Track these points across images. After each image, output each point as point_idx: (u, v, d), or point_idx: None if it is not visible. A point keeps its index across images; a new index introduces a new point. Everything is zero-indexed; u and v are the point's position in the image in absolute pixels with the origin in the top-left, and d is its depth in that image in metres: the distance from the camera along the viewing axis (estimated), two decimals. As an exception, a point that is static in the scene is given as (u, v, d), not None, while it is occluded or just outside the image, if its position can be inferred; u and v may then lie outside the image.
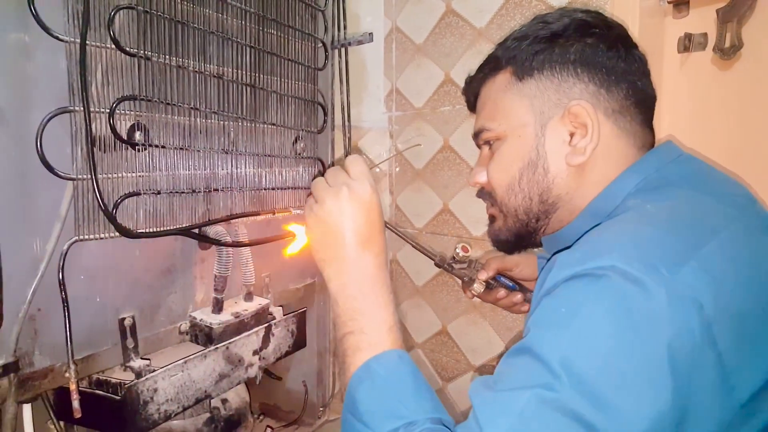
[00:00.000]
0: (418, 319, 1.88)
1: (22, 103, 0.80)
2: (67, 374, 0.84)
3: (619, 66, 0.66)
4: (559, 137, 0.68)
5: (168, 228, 0.96)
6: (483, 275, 0.95)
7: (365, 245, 0.66)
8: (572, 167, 0.67)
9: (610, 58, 0.66)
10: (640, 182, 0.64)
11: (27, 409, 0.87)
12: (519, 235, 0.74)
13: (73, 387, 0.83)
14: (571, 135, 0.67)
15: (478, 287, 0.94)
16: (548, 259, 0.66)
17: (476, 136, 0.76)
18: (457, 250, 0.94)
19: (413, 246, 0.95)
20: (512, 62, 0.70)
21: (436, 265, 0.94)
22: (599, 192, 0.67)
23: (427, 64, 1.75)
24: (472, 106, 0.80)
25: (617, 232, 0.56)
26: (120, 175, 0.89)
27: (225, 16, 1.04)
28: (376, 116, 1.91)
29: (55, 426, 0.97)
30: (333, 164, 1.39)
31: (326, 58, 1.32)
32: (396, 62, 1.87)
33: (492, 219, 0.78)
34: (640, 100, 0.68)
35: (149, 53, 0.90)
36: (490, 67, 0.74)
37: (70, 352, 0.84)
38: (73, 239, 0.85)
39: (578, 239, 0.60)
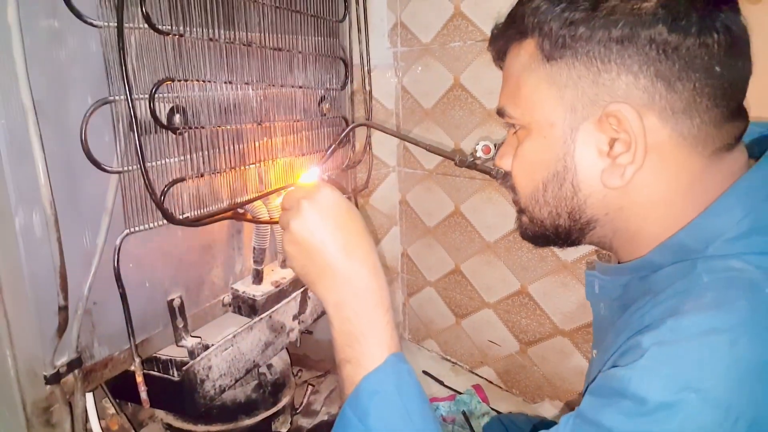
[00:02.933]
0: (430, 259, 1.92)
1: (59, 94, 0.76)
2: (132, 367, 0.85)
3: (690, 46, 0.46)
4: (593, 146, 0.52)
5: (211, 208, 0.94)
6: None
7: (347, 252, 0.59)
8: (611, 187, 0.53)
9: (675, 34, 0.46)
10: (744, 220, 0.48)
11: (89, 397, 0.88)
12: (547, 239, 0.62)
13: (140, 380, 0.84)
14: (612, 143, 0.51)
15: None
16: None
17: (499, 113, 0.61)
18: (478, 152, 0.79)
19: (425, 148, 0.84)
20: (539, 31, 0.53)
21: (457, 164, 0.81)
22: (663, 216, 0.53)
23: (435, -4, 1.68)
24: (499, 63, 0.63)
25: (711, 349, 0.42)
26: (162, 161, 0.86)
27: (249, -23, 0.98)
28: (380, 52, 1.85)
29: (112, 404, 0.99)
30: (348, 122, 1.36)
31: (345, 8, 1.25)
32: (400, -7, 1.79)
33: (519, 211, 0.64)
34: (718, 93, 0.48)
35: (182, 29, 0.85)
36: (514, 28, 0.57)
37: (133, 345, 0.85)
38: (125, 232, 0.83)
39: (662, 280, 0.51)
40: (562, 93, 0.53)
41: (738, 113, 0.51)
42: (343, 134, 0.86)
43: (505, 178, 0.65)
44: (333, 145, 0.84)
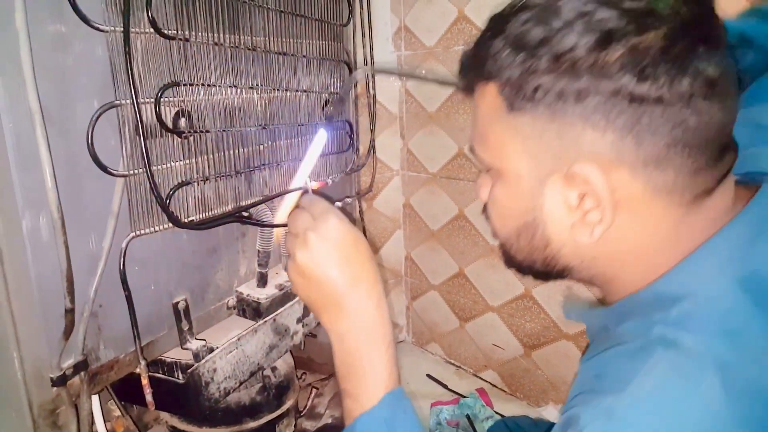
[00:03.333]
0: (434, 262, 1.92)
1: (65, 98, 0.76)
2: (138, 369, 0.85)
3: (660, 97, 0.42)
4: (562, 201, 0.49)
5: (216, 212, 0.95)
6: None
7: (353, 285, 0.60)
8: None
9: (643, 85, 0.42)
10: (708, 283, 0.46)
11: (95, 399, 0.89)
12: (528, 274, 0.59)
13: (145, 382, 0.85)
14: (582, 196, 0.48)
15: None
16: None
17: (471, 149, 0.57)
18: None
19: (431, 80, 0.76)
20: (499, 78, 0.48)
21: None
22: (640, 266, 0.51)
23: (438, 0, 1.69)
24: (466, 97, 0.56)
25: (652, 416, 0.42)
26: (168, 165, 0.86)
27: (254, -18, 0.98)
28: (384, 56, 1.86)
29: (117, 406, 0.99)
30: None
31: (349, 12, 1.26)
32: (403, -3, 1.80)
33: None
34: (694, 143, 0.44)
35: (187, 34, 0.85)
36: (477, 69, 0.52)
37: (138, 347, 0.85)
38: (131, 235, 0.84)
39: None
40: (527, 145, 0.49)
41: (721, 155, 0.47)
42: (347, 83, 0.81)
43: (485, 209, 0.61)
44: (338, 94, 0.80)
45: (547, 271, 0.55)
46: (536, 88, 0.45)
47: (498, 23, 0.48)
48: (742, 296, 0.45)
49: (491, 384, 1.81)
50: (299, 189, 0.76)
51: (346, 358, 0.60)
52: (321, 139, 0.75)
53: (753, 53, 0.63)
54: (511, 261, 0.60)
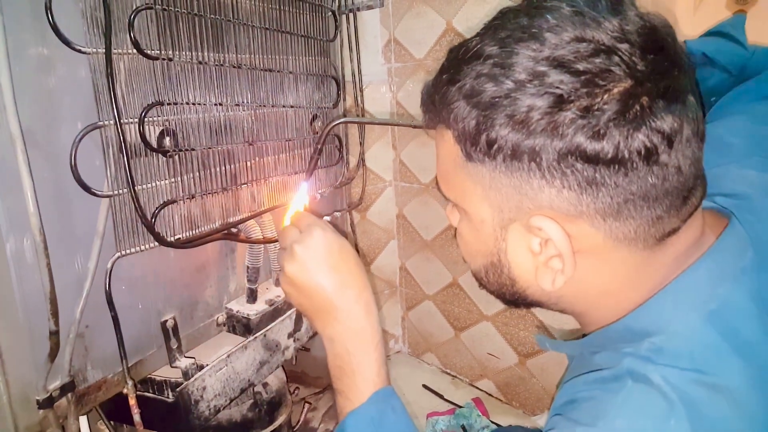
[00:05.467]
0: (428, 272, 1.92)
1: (49, 121, 0.77)
2: (125, 390, 0.85)
3: (615, 155, 0.41)
4: (524, 246, 0.49)
5: (203, 229, 0.95)
6: None
7: (341, 291, 0.63)
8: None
9: (596, 143, 0.41)
10: (673, 320, 0.47)
11: (83, 420, 0.88)
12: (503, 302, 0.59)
13: (132, 402, 0.84)
14: (544, 243, 0.48)
15: None
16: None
17: (437, 183, 0.57)
18: None
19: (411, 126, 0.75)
20: (454, 128, 0.47)
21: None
22: (606, 304, 0.51)
23: (427, 12, 1.69)
24: (429, 130, 0.55)
25: None
26: (153, 184, 0.87)
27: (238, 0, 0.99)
28: (374, 68, 1.86)
29: (106, 426, 0.99)
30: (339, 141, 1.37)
31: (336, 27, 1.27)
32: (393, 9, 1.81)
33: None
34: (654, 195, 0.43)
35: (170, 54, 0.86)
36: (433, 112, 0.50)
37: (125, 368, 0.85)
38: (116, 255, 0.84)
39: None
40: (487, 193, 0.48)
41: (687, 198, 0.45)
42: (321, 135, 0.83)
43: (455, 235, 0.60)
44: (314, 154, 0.84)
45: (516, 303, 0.56)
46: (490, 144, 0.44)
47: (454, 67, 0.47)
48: (711, 332, 0.45)
49: (487, 393, 1.80)
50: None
51: (336, 359, 0.63)
52: (303, 192, 0.77)
53: (717, 73, 0.65)
54: (483, 287, 0.59)
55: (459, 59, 0.47)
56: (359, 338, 0.63)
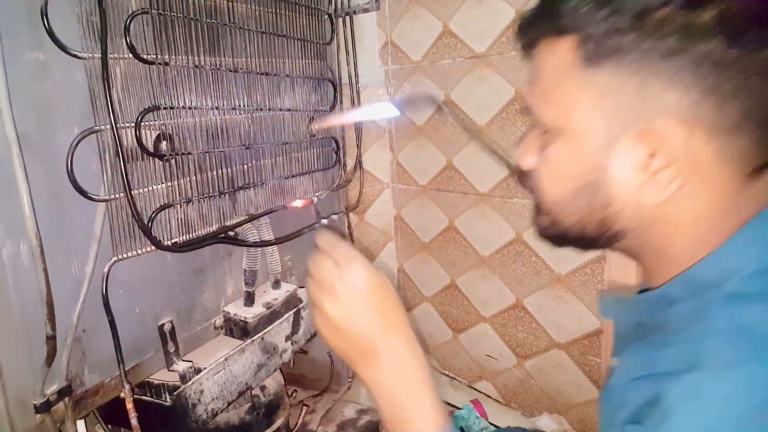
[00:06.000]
0: (426, 274, 1.92)
1: (45, 126, 0.77)
2: (122, 394, 0.85)
3: (748, 63, 0.42)
4: (631, 160, 0.48)
5: (200, 233, 0.95)
6: None
7: (387, 333, 0.60)
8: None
9: (733, 50, 0.42)
10: (763, 255, 0.46)
11: (81, 424, 0.89)
12: (569, 242, 0.58)
13: (129, 406, 0.84)
14: (651, 157, 0.47)
15: None
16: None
17: (526, 110, 0.56)
18: None
19: (490, 150, 0.78)
20: (579, 33, 0.48)
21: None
22: (694, 235, 0.50)
23: (423, 15, 1.70)
24: (525, 54, 0.56)
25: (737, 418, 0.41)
26: (150, 188, 0.87)
27: (234, 4, 0.99)
28: (371, 70, 1.87)
29: (104, 430, 0.99)
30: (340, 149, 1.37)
31: (332, 30, 1.27)
32: (389, 12, 1.81)
33: (537, 210, 0.60)
34: (765, 116, 0.44)
35: (167, 58, 0.86)
36: (549, 24, 0.51)
37: (122, 372, 0.85)
38: (113, 259, 0.84)
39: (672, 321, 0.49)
40: (600, 101, 0.48)
41: None
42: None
43: (523, 177, 0.59)
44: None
45: (597, 236, 0.54)
46: (621, 45, 0.45)
47: None
48: None
49: (485, 395, 1.80)
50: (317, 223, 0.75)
51: (390, 404, 0.60)
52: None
53: None
54: (552, 228, 0.58)
55: None
56: (410, 380, 0.60)
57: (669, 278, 0.52)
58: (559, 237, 0.58)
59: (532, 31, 0.53)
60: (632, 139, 0.47)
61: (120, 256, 0.84)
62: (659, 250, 0.53)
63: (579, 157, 0.51)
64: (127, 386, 0.86)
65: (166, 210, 0.89)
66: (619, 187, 0.49)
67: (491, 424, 1.61)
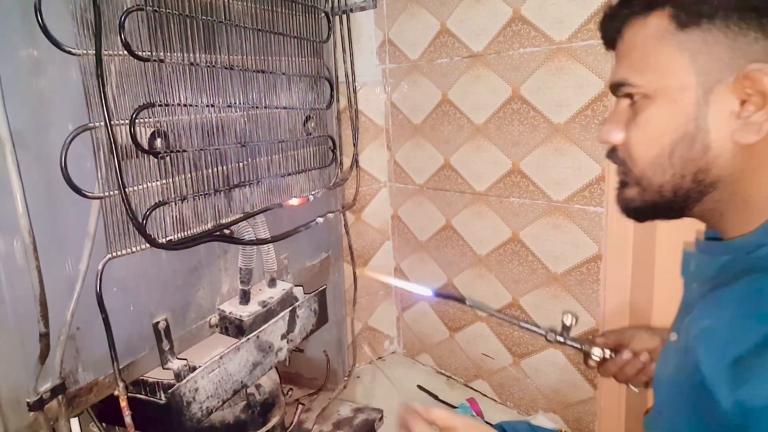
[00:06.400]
0: (423, 273, 1.93)
1: (39, 123, 0.77)
2: (116, 392, 0.85)
3: None
4: (726, 107, 0.54)
5: (195, 231, 0.95)
6: (598, 348, 0.84)
7: None
8: (741, 146, 0.54)
9: None
10: None
11: (74, 422, 0.88)
12: (657, 208, 0.62)
13: (123, 404, 0.84)
14: (742, 103, 0.53)
15: (597, 352, 0.84)
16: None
17: (616, 87, 0.62)
18: (567, 321, 0.85)
19: (518, 325, 0.89)
20: (672, 2, 0.56)
21: (548, 340, 0.87)
22: None
23: (421, 13, 1.70)
24: (611, 43, 0.64)
25: None
26: (144, 185, 0.86)
27: (230, 1, 0.99)
28: (369, 69, 1.87)
29: (98, 428, 0.99)
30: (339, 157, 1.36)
31: (329, 28, 1.26)
32: (387, 11, 1.81)
33: (623, 184, 0.65)
34: None
35: (162, 55, 0.86)
36: (637, 4, 0.59)
37: (116, 370, 0.85)
38: (107, 257, 0.83)
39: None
40: (695, 58, 0.54)
41: None
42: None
43: (612, 154, 0.65)
44: None
45: (689, 190, 0.58)
46: (712, 6, 0.53)
47: None
48: None
49: (482, 394, 1.80)
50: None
51: None
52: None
53: None
54: (642, 196, 0.62)
55: None
56: None
57: (751, 228, 0.56)
58: (648, 205, 0.62)
59: (620, 17, 0.61)
60: (726, 87, 0.53)
61: (114, 254, 0.84)
62: (747, 200, 0.57)
63: (677, 111, 0.56)
64: (121, 384, 0.85)
65: (161, 207, 0.88)
66: (717, 133, 0.55)
67: (487, 422, 1.61)
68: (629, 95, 0.61)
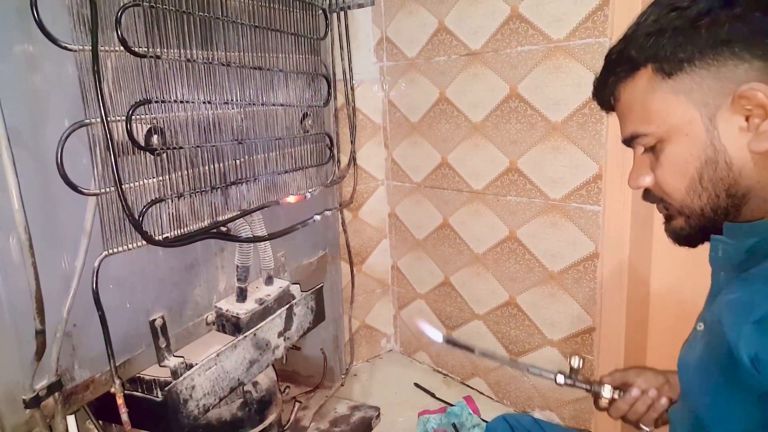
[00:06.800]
0: (420, 271, 1.93)
1: (35, 119, 0.76)
2: (113, 389, 0.85)
3: None
4: (734, 126, 0.59)
5: (192, 228, 0.95)
6: (608, 386, 0.86)
7: None
8: (760, 154, 0.59)
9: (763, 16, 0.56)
10: None
11: (71, 419, 0.88)
12: (705, 230, 0.67)
13: (120, 402, 0.84)
14: (747, 118, 0.58)
15: (607, 392, 0.85)
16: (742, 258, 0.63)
17: (629, 141, 0.68)
18: (575, 364, 0.87)
19: (527, 371, 0.92)
20: (652, 60, 0.62)
21: (557, 383, 0.87)
22: None
23: (419, 11, 1.70)
24: (608, 107, 0.71)
25: None
26: (141, 182, 0.86)
27: (227, -3, 0.99)
28: (366, 67, 1.87)
29: (95, 426, 0.98)
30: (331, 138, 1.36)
31: (327, 25, 1.26)
32: (385, 8, 1.81)
33: (668, 218, 0.70)
34: None
35: (158, 51, 0.85)
36: (624, 68, 0.65)
37: (113, 367, 0.85)
38: (103, 254, 0.83)
39: None
40: (690, 96, 0.60)
41: None
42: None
43: (647, 196, 0.71)
44: None
45: (728, 206, 0.63)
46: (689, 52, 0.59)
47: (622, 38, 0.64)
48: None
49: (478, 391, 1.81)
50: None
51: None
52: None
53: None
54: (688, 223, 0.67)
55: (626, 35, 0.64)
56: None
57: None
58: (696, 229, 0.67)
59: (609, 84, 0.68)
60: (728, 110, 0.59)
61: (110, 251, 0.84)
62: None
63: (692, 142, 0.62)
64: (117, 381, 0.85)
65: (158, 204, 0.88)
66: (734, 148, 0.60)
67: (483, 420, 1.61)
68: (644, 145, 0.67)
